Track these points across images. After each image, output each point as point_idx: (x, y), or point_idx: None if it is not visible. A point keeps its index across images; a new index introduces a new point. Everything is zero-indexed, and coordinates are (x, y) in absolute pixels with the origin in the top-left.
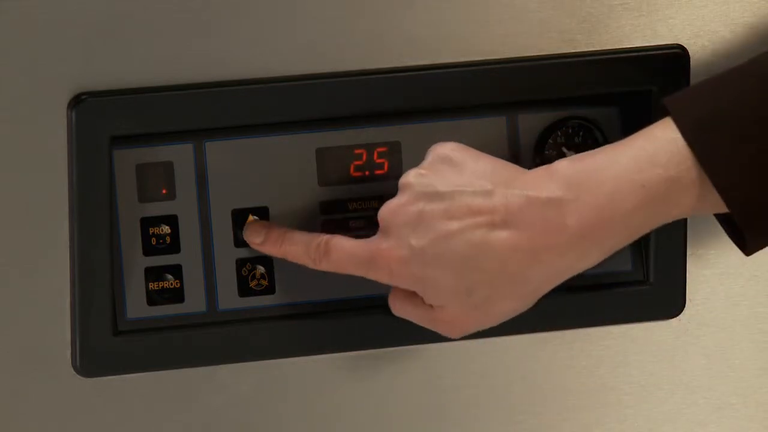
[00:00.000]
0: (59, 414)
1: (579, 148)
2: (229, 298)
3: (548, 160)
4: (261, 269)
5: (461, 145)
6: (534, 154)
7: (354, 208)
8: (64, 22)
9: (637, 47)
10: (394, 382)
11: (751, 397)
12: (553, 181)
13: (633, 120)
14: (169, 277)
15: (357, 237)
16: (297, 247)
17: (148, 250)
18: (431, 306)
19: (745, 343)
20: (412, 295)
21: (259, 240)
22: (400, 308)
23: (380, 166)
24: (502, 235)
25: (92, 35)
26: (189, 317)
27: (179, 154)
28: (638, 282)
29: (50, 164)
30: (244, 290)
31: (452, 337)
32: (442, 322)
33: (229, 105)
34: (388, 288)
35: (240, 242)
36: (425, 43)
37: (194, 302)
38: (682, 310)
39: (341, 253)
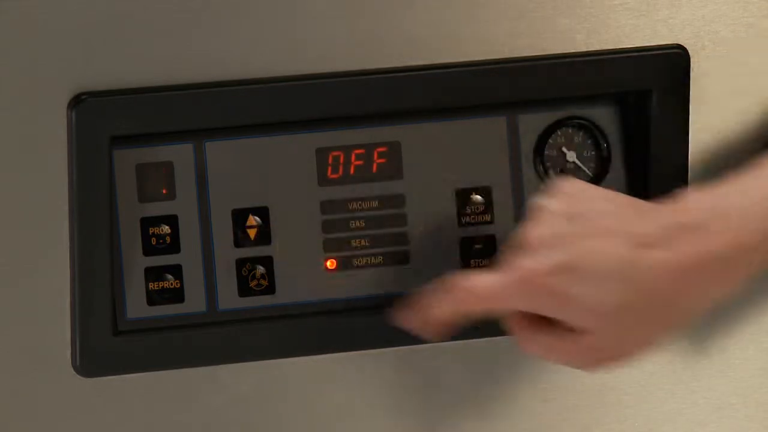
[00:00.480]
0: (59, 414)
1: (579, 148)
2: (229, 298)
3: (548, 160)
4: (261, 269)
5: (585, 183)
6: (534, 154)
7: (354, 208)
8: (64, 22)
9: (637, 47)
10: (394, 382)
11: (751, 397)
12: (694, 210)
13: (633, 120)
14: (169, 277)
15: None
16: (442, 303)
17: (148, 250)
18: (571, 332)
19: (745, 343)
20: (547, 323)
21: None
22: (533, 340)
23: (380, 166)
24: (655, 255)
25: (92, 35)
26: (189, 317)
27: (179, 154)
28: None
29: (50, 164)
30: (244, 290)
31: (589, 371)
32: (581, 349)
33: (229, 105)
34: (390, 287)
35: (240, 242)
36: (425, 43)
37: (194, 302)
38: None
39: (476, 285)
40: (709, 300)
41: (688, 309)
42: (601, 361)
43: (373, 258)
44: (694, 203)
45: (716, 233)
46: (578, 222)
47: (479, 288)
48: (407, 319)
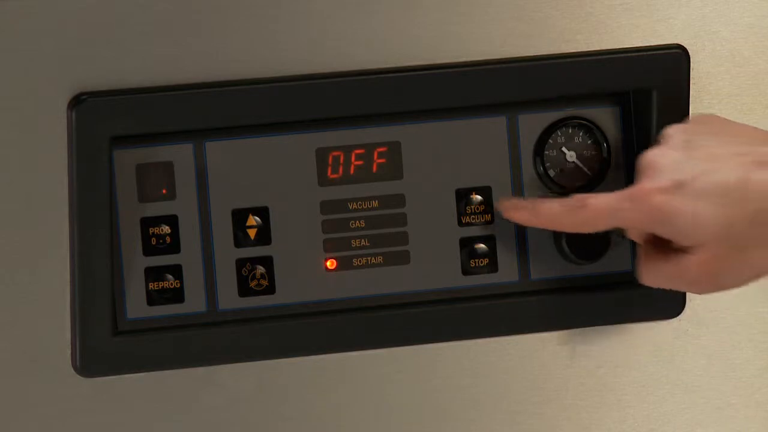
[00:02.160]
0: (59, 414)
1: (579, 148)
2: (229, 298)
3: (548, 160)
4: (261, 269)
5: (717, 116)
6: (534, 154)
7: (354, 208)
8: (64, 22)
9: (637, 47)
10: (394, 382)
11: (751, 397)
12: None
13: (633, 120)
14: (169, 277)
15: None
16: (553, 205)
17: (148, 250)
18: (684, 252)
19: (745, 343)
20: (662, 250)
21: (510, 207)
22: (652, 271)
23: (380, 166)
24: (766, 175)
25: (92, 35)
26: (189, 317)
27: (179, 154)
28: (638, 282)
29: (50, 164)
30: (244, 290)
31: (703, 291)
32: (698, 265)
33: (229, 105)
34: (390, 287)
35: (240, 242)
36: (425, 43)
37: (194, 302)
38: (682, 310)
39: (599, 201)
40: None
41: None
42: (717, 283)
43: (373, 258)
44: None
45: None
46: (698, 147)
47: (596, 203)
48: (515, 211)
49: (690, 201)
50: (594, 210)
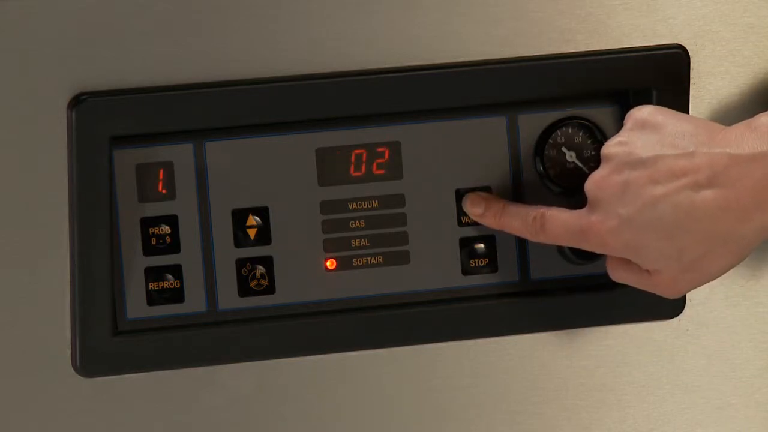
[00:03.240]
0: (59, 414)
1: (579, 148)
2: (229, 298)
3: (548, 160)
4: (261, 269)
5: (658, 108)
6: (534, 154)
7: (354, 208)
8: (64, 22)
9: (637, 47)
10: (394, 382)
11: (751, 397)
12: (756, 137)
13: None
14: (169, 277)
15: (359, 238)
16: (515, 221)
17: (148, 250)
18: (647, 271)
19: (745, 343)
20: (627, 262)
21: (480, 211)
22: (618, 275)
23: (380, 166)
24: (708, 195)
25: (92, 35)
26: (189, 317)
27: (179, 154)
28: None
29: (50, 164)
30: (244, 290)
31: (672, 298)
32: (659, 285)
33: (229, 105)
34: (390, 287)
35: (240, 242)
36: (425, 43)
37: (194, 302)
38: (682, 310)
39: (556, 226)
40: None
41: (754, 238)
42: (678, 291)
43: (373, 258)
44: (763, 128)
45: None
46: (639, 169)
47: (551, 229)
48: (477, 211)
49: (642, 237)
50: (551, 235)
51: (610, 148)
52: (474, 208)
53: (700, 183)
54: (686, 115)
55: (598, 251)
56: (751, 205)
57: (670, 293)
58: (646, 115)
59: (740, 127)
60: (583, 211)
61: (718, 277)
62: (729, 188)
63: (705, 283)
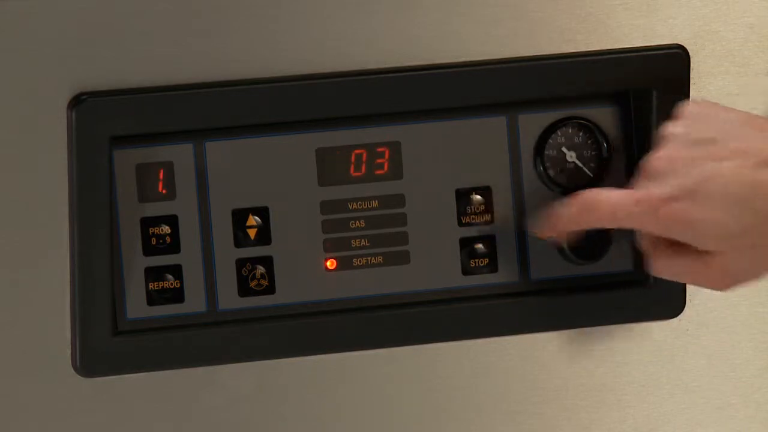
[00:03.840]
0: (59, 414)
1: (579, 148)
2: (229, 298)
3: (548, 160)
4: (261, 269)
5: (709, 101)
6: (534, 154)
7: (354, 208)
8: (64, 22)
9: (637, 47)
10: (394, 382)
11: (751, 397)
12: None
13: (633, 120)
14: (169, 277)
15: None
16: (562, 218)
17: (148, 250)
18: (699, 254)
19: (745, 343)
20: (676, 246)
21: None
22: (662, 265)
23: (380, 166)
24: None
25: (92, 35)
26: (189, 317)
27: (179, 154)
28: (638, 282)
29: (50, 164)
30: (244, 290)
31: (721, 289)
32: (714, 268)
33: (229, 105)
34: (390, 287)
35: (240, 242)
36: (425, 43)
37: (194, 302)
38: (682, 310)
39: (611, 202)
40: None
41: None
42: (736, 280)
43: (373, 258)
44: None
45: None
46: (701, 146)
47: (606, 204)
48: (539, 228)
49: (702, 209)
50: (606, 212)
51: (675, 128)
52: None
53: (766, 162)
54: (736, 109)
55: (652, 227)
56: None
57: (721, 280)
58: (701, 106)
59: None
60: (638, 187)
61: None
62: None
63: (756, 278)
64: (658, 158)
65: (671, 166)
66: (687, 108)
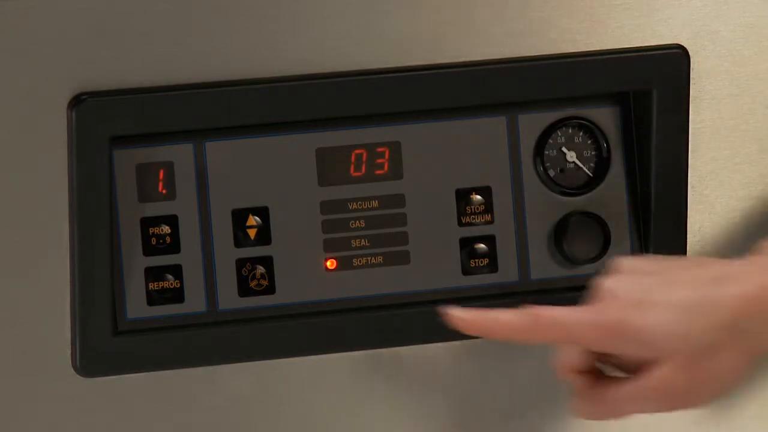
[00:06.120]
0: (59, 414)
1: (579, 148)
2: (229, 298)
3: (548, 160)
4: (261, 269)
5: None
6: (534, 154)
7: (354, 208)
8: (64, 22)
9: (637, 47)
10: (394, 382)
11: (751, 397)
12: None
13: (633, 120)
14: (169, 277)
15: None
16: (508, 319)
17: (148, 250)
18: (637, 371)
19: None
20: (607, 380)
21: (463, 325)
22: (595, 397)
23: (380, 166)
24: (730, 290)
25: (92, 35)
26: (189, 317)
27: (179, 154)
28: None
29: (50, 164)
30: (244, 290)
31: (665, 410)
32: (655, 384)
33: (229, 105)
34: (390, 287)
35: (240, 242)
36: (425, 43)
37: (194, 302)
38: None
39: (556, 318)
40: None
41: (760, 342)
42: (677, 398)
43: (373, 258)
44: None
45: None
46: (651, 274)
47: (559, 318)
48: (464, 323)
49: (650, 314)
50: (550, 327)
51: (621, 260)
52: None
53: (722, 277)
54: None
55: (597, 338)
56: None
57: (665, 396)
58: (637, 261)
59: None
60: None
61: (720, 387)
62: (750, 286)
63: (706, 394)
64: (608, 281)
65: (622, 287)
66: (622, 263)
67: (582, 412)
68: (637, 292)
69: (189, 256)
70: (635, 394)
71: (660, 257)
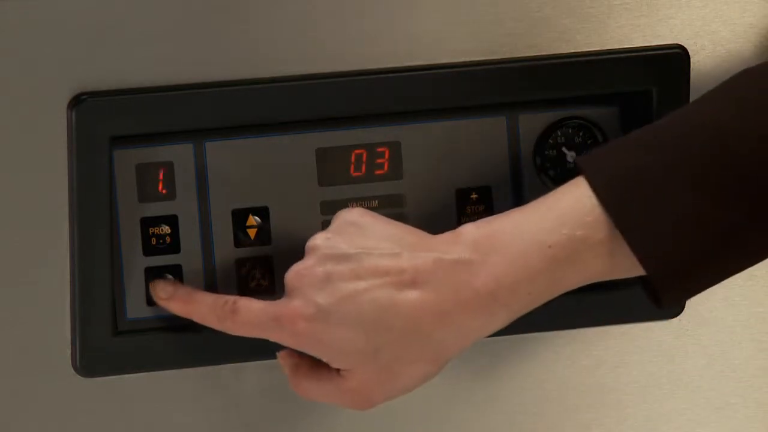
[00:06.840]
0: (59, 414)
1: (579, 148)
2: None
3: (548, 160)
4: (261, 269)
5: (367, 211)
6: (534, 154)
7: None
8: (64, 22)
9: (637, 47)
10: None
11: (751, 397)
12: (460, 243)
13: (633, 120)
14: (170, 277)
15: None
16: (202, 306)
17: (148, 250)
18: (337, 374)
19: (745, 343)
20: (315, 368)
21: (165, 296)
22: (305, 387)
23: (380, 166)
24: (411, 296)
25: (92, 35)
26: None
27: (179, 154)
28: (638, 282)
29: (50, 164)
30: (244, 290)
31: (361, 410)
32: (349, 391)
33: (229, 105)
34: None
35: (240, 242)
36: (425, 43)
37: None
38: (682, 310)
39: (248, 314)
40: (474, 336)
41: (452, 345)
42: (368, 398)
43: None
44: (469, 235)
45: (484, 270)
46: (338, 263)
47: (245, 314)
48: (163, 295)
49: (334, 329)
50: (240, 321)
51: (316, 240)
52: (160, 293)
53: (403, 282)
54: (394, 221)
55: (289, 343)
56: (453, 308)
57: (359, 400)
58: (355, 217)
59: (446, 236)
60: (280, 300)
61: (409, 387)
62: (431, 290)
63: (397, 393)
64: (295, 273)
65: (311, 281)
66: (341, 216)
67: (295, 387)
68: (325, 293)
69: (189, 256)
70: (331, 393)
71: (355, 230)
